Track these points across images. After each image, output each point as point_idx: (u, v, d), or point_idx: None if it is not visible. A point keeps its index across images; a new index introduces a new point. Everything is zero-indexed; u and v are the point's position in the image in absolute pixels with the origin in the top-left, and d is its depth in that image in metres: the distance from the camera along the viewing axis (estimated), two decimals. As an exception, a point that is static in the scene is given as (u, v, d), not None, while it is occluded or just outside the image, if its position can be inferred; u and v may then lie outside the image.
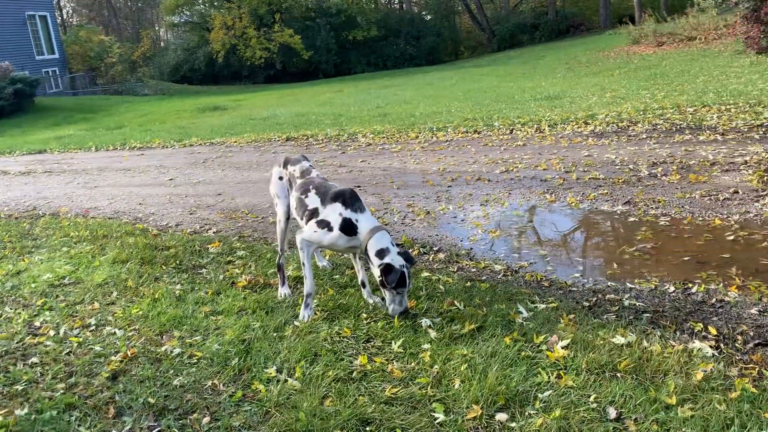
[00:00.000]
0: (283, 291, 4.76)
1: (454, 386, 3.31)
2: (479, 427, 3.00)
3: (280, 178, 4.81)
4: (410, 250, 5.40)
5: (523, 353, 3.60)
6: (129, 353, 3.85)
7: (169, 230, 6.92)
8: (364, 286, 4.55)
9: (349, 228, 4.16)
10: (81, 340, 4.10)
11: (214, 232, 6.71)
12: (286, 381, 3.47)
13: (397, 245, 4.26)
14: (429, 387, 3.33)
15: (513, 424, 2.98)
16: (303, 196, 4.44)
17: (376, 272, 4.07)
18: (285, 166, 4.80)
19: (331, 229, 4.19)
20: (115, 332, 4.20)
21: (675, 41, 26.30)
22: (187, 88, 40.06)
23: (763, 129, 8.96)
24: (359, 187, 8.11)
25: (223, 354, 3.81)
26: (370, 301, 4.46)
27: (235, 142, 13.08)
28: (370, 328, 4.05)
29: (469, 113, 13.81)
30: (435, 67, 39.04)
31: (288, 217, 4.77)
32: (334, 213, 4.21)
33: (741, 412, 2.91)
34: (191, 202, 8.19)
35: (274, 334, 4.05)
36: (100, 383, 3.55)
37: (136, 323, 4.34)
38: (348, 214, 4.18)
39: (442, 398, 3.24)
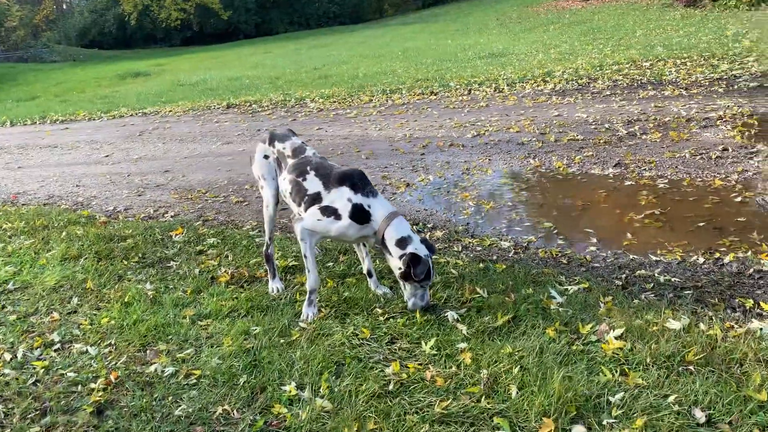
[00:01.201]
0: (274, 285, 4.18)
1: (511, 395, 2.88)
2: (557, 445, 2.59)
3: (266, 157, 4.18)
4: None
5: (574, 347, 3.21)
6: (112, 378, 3.21)
7: (119, 216, 6.13)
8: (370, 276, 4.04)
9: (361, 215, 3.62)
10: (47, 363, 3.41)
11: (172, 217, 5.99)
12: (312, 400, 2.95)
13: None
14: (483, 398, 2.89)
15: (597, 440, 2.59)
16: (300, 179, 3.84)
17: (396, 263, 3.57)
18: (271, 143, 4.17)
19: (339, 217, 3.64)
20: (87, 350, 3.52)
21: (602, -6, 26.48)
22: (99, 53, 37.46)
23: (725, 82, 8.90)
24: (322, 158, 7.49)
25: (227, 370, 3.23)
26: (379, 292, 3.97)
27: (171, 111, 12.07)
28: (390, 326, 3.56)
29: (416, 73, 13.29)
30: (361, 26, 38.12)
31: (277, 201, 4.17)
32: (342, 199, 3.65)
33: None
34: (137, 182, 7.37)
35: (281, 340, 3.49)
36: (84, 421, 2.91)
37: (110, 336, 3.67)
38: (358, 199, 3.63)
39: (503, 411, 2.80)
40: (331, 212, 3.65)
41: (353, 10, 44.69)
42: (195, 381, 3.19)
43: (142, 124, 11.12)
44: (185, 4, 39.70)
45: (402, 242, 3.55)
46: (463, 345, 3.29)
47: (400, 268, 3.54)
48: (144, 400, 3.02)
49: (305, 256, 3.75)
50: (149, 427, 2.85)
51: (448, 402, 2.87)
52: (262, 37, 38.80)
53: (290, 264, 4.56)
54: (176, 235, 5.32)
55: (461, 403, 2.86)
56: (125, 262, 4.79)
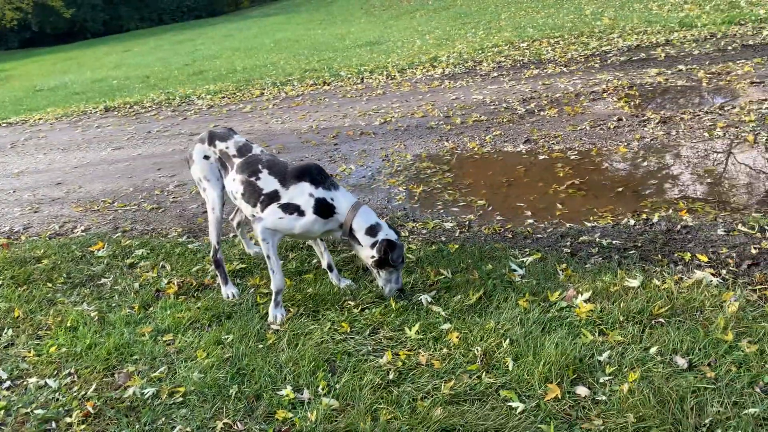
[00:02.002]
0: (228, 291, 4.02)
1: (508, 367, 2.99)
2: (567, 408, 2.73)
3: (206, 158, 4.00)
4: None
5: (549, 315, 3.38)
6: (90, 408, 2.96)
7: (21, 236, 5.59)
8: (331, 270, 3.99)
9: (325, 210, 3.57)
10: (4, 404, 3.07)
11: (83, 231, 5.55)
12: (316, 400, 2.89)
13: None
14: (483, 374, 2.97)
15: (602, 397, 2.75)
16: (252, 179, 3.71)
17: (368, 252, 3.56)
18: (211, 142, 3.99)
19: (302, 214, 3.56)
20: (46, 383, 3.22)
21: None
22: (-77, 61, 33.49)
23: (598, 58, 9.59)
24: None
25: (212, 383, 3.09)
26: (342, 285, 3.94)
27: (40, 118, 11.08)
28: (367, 317, 3.55)
29: (298, 64, 13.14)
30: (220, 19, 36.94)
31: (223, 203, 4.01)
32: (303, 194, 3.58)
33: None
34: (27, 198, 6.73)
35: (260, 345, 3.38)
36: (75, 459, 2.68)
37: (66, 365, 3.37)
38: (320, 193, 3.58)
39: (506, 384, 2.90)
40: (293, 209, 3.57)
41: (209, 3, 43.13)
42: (181, 399, 3.02)
43: (10, 135, 10.13)
44: (21, 3, 36.43)
45: (372, 230, 3.55)
46: (446, 326, 3.36)
47: (373, 257, 3.54)
48: (136, 427, 2.82)
49: (268, 257, 3.64)
50: (151, 454, 2.67)
51: (452, 383, 2.93)
52: (114, 35, 36.52)
53: (237, 267, 4.41)
54: (98, 250, 4.96)
55: (464, 382, 2.93)
56: (50, 285, 4.40)
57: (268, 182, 3.67)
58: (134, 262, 4.69)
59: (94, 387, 3.14)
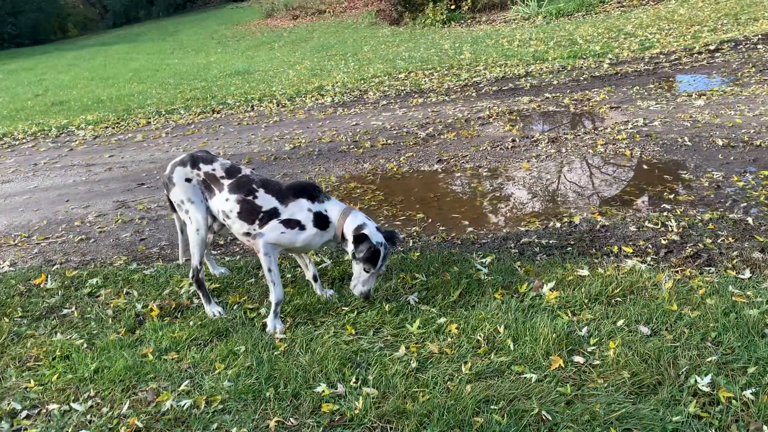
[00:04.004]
0: (213, 309, 4.13)
1: (511, 348, 3.47)
2: (572, 374, 3.26)
3: (188, 180, 4.10)
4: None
5: (525, 303, 3.92)
6: (139, 423, 2.99)
7: (-64, 276, 5.17)
8: (315, 281, 4.25)
9: (322, 222, 3.85)
10: (37, 431, 3.00)
11: (10, 266, 5.26)
12: (357, 390, 3.17)
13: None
14: (492, 355, 3.43)
15: (597, 362, 3.32)
16: (249, 198, 3.90)
17: (351, 248, 3.86)
18: (194, 165, 4.10)
19: (303, 228, 3.82)
20: (71, 408, 3.17)
21: (307, 14, 28.26)
22: None
23: (472, 87, 10.58)
24: (143, 184, 7.15)
25: (245, 388, 3.25)
26: (326, 295, 4.21)
27: None
28: (365, 319, 3.87)
29: (167, 93, 12.93)
30: (48, 47, 34.56)
31: (207, 224, 4.12)
32: (302, 210, 3.84)
33: (729, 302, 3.71)
34: None
35: (275, 353, 3.58)
36: (145, 469, 2.73)
37: (82, 390, 3.33)
38: (317, 207, 3.86)
39: (515, 360, 3.37)
40: (294, 224, 3.82)
41: (33, 31, 40.09)
42: (222, 407, 3.15)
43: None
44: None
45: (357, 229, 3.79)
46: (442, 320, 3.78)
47: (353, 251, 3.80)
48: (194, 435, 2.92)
49: (269, 270, 3.84)
50: (220, 456, 2.80)
51: (469, 365, 3.35)
52: None
53: (212, 287, 4.49)
54: (41, 282, 4.77)
55: (479, 363, 3.36)
56: (7, 320, 4.21)
57: (266, 200, 3.88)
58: (92, 291, 4.59)
59: (126, 406, 3.16)
